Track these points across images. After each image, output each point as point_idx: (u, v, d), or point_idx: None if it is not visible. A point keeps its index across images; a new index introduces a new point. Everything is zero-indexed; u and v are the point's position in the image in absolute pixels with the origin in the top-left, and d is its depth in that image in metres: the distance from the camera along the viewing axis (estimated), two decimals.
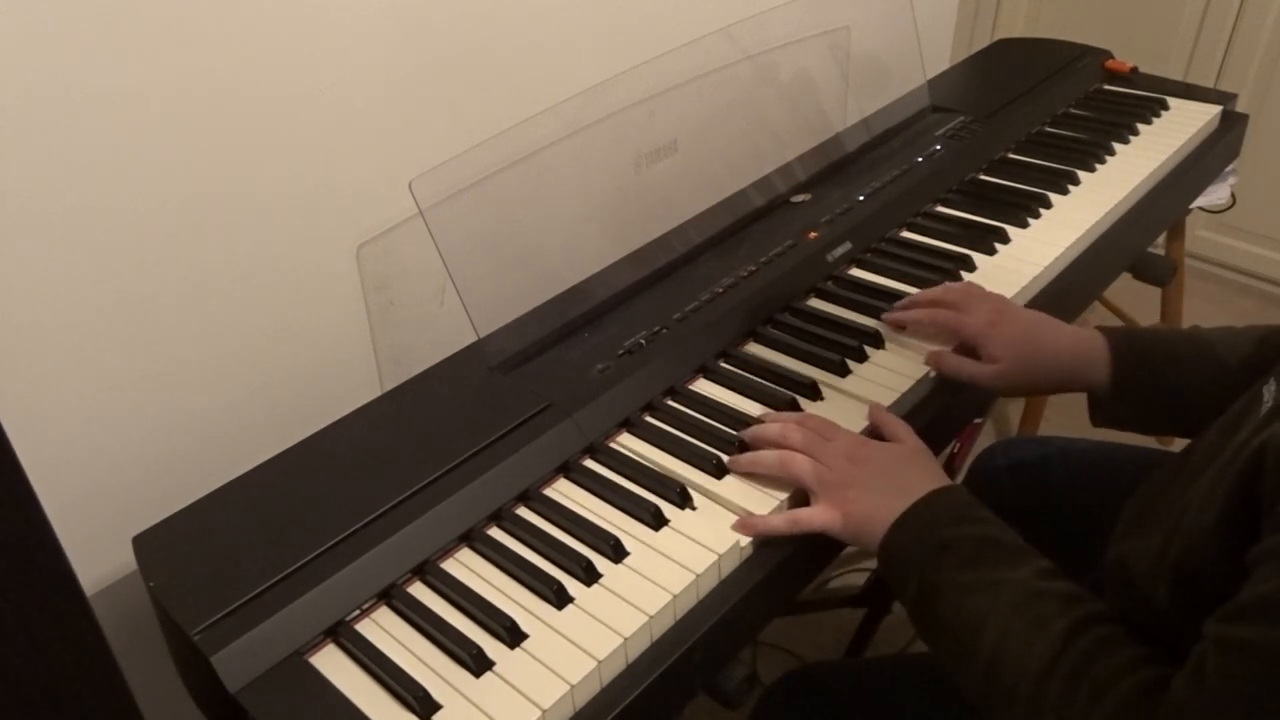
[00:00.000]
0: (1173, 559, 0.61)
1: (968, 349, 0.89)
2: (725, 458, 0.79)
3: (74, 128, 0.78)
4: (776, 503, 0.76)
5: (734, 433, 0.82)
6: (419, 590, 0.71)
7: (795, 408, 0.85)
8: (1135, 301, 1.93)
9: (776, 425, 0.79)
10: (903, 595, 0.71)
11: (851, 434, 0.79)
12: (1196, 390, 0.82)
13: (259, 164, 0.91)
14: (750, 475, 0.78)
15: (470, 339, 0.88)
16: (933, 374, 0.89)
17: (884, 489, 0.73)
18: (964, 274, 1.02)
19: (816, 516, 0.73)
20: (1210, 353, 0.83)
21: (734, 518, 0.75)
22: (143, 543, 0.73)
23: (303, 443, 0.81)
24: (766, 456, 0.77)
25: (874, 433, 0.82)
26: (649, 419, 0.85)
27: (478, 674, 0.65)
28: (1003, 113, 1.31)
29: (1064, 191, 1.16)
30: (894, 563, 0.71)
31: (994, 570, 0.66)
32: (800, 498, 0.77)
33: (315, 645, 0.67)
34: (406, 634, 0.68)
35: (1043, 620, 0.62)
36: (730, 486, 0.78)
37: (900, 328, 0.94)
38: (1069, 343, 0.85)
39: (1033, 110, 1.33)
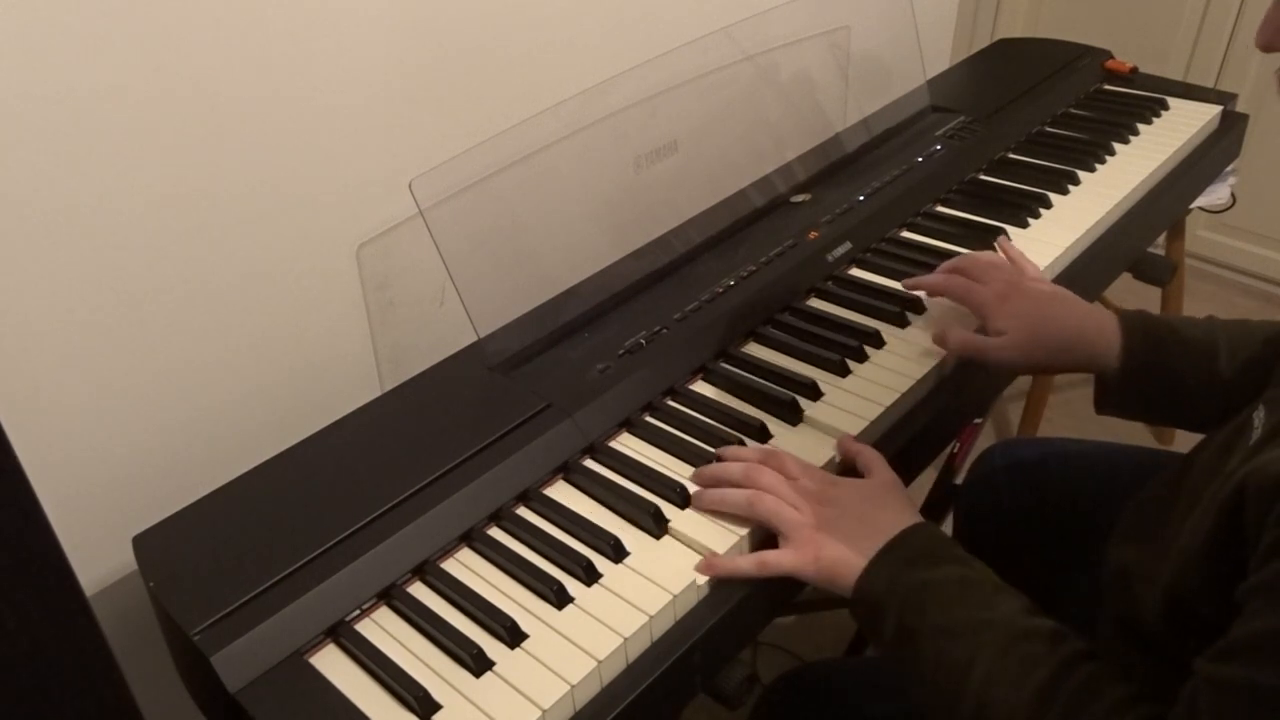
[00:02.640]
0: (1166, 583, 0.61)
1: (979, 319, 0.89)
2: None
3: (74, 128, 0.78)
4: None
5: (735, 433, 0.81)
6: (419, 590, 0.71)
7: (795, 408, 0.85)
8: (1135, 301, 1.92)
9: (740, 465, 0.76)
10: (879, 640, 0.69)
11: (819, 472, 0.77)
12: (1203, 387, 0.82)
13: (259, 164, 0.91)
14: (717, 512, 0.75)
15: (470, 339, 0.88)
16: (935, 370, 0.89)
17: (854, 530, 0.71)
18: None
19: (785, 559, 0.70)
20: (1220, 350, 0.82)
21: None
22: (143, 543, 0.73)
23: (303, 443, 0.81)
24: (733, 495, 0.74)
25: (846, 464, 0.81)
26: (649, 419, 0.85)
27: (478, 674, 0.65)
28: (1003, 113, 1.31)
29: (1064, 191, 1.16)
30: (869, 606, 0.68)
31: (974, 611, 0.65)
32: (764, 530, 0.74)
33: (315, 645, 0.67)
34: (406, 634, 0.68)
35: (1029, 662, 0.61)
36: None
37: (917, 293, 0.95)
38: (1079, 320, 0.84)
39: (1033, 110, 1.33)
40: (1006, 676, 0.61)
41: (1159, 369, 0.82)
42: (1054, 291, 0.88)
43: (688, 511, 0.76)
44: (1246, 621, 0.51)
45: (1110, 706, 0.58)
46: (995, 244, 1.02)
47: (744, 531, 0.74)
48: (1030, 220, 1.11)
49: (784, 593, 0.79)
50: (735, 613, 0.71)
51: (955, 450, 1.63)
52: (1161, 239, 1.71)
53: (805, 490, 0.74)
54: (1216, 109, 1.33)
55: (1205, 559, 0.57)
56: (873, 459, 0.78)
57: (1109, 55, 1.48)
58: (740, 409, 0.85)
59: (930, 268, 1.03)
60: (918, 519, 0.72)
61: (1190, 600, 0.58)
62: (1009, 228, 1.09)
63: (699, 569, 0.71)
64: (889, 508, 0.73)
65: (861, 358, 0.91)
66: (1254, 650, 0.50)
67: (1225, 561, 0.55)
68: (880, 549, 0.69)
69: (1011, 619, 0.64)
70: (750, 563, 0.71)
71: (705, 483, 0.77)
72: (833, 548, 0.70)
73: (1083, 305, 0.86)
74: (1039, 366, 0.86)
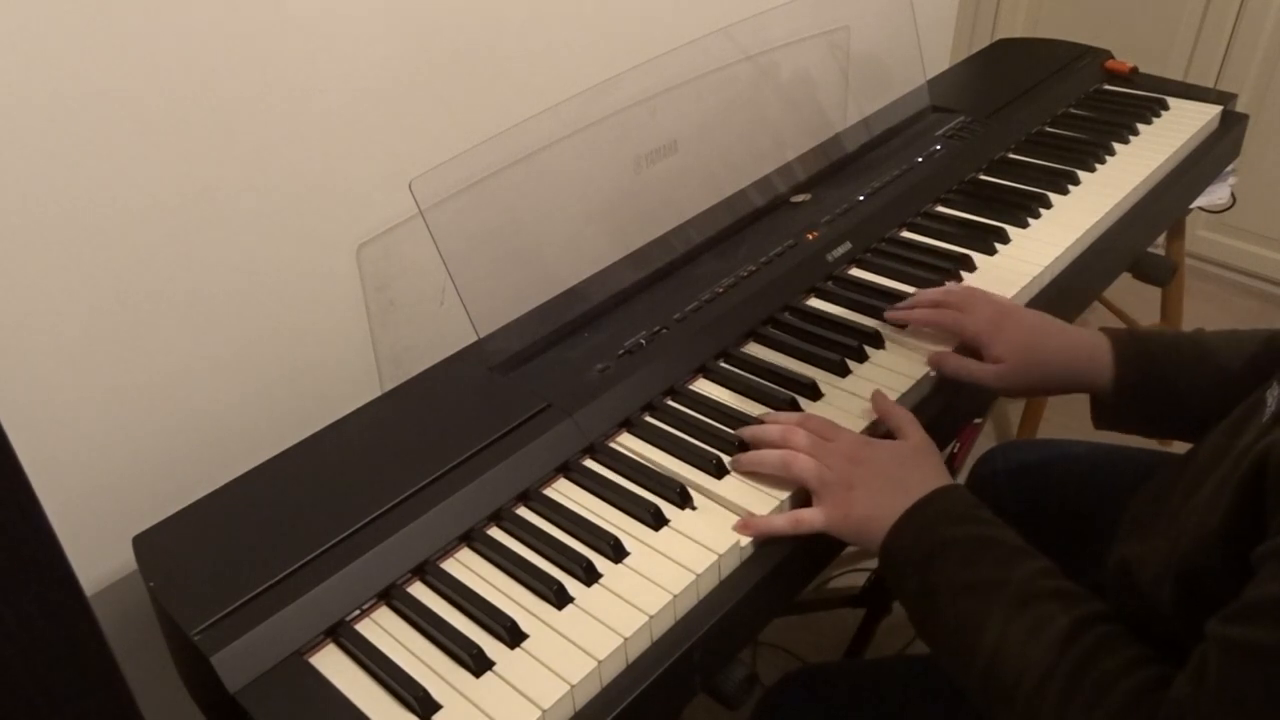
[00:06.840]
0: (1177, 563, 0.61)
1: (970, 349, 0.89)
2: (726, 458, 0.79)
3: (74, 128, 0.78)
4: (777, 503, 0.76)
5: (733, 432, 0.82)
6: (419, 590, 0.71)
7: (795, 408, 0.85)
8: (1135, 301, 1.93)
9: (777, 427, 0.79)
10: (902, 595, 0.71)
11: (853, 433, 0.79)
12: (1199, 395, 0.82)
13: (259, 164, 0.91)
14: (751, 475, 0.78)
15: (470, 339, 0.88)
16: (933, 374, 0.89)
17: (885, 489, 0.73)
18: (964, 274, 1.03)
19: (818, 517, 0.74)
20: (1214, 357, 0.83)
21: (734, 518, 0.75)
22: (143, 543, 0.73)
23: (303, 443, 0.81)
24: (769, 456, 0.77)
25: (879, 425, 0.82)
26: (649, 419, 0.85)
27: (478, 674, 0.65)
28: (1003, 113, 1.31)
29: (1064, 191, 1.16)
30: (894, 562, 0.71)
31: (994, 570, 0.66)
32: (802, 497, 0.77)
33: (315, 645, 0.67)
34: (406, 634, 0.68)
35: (1043, 620, 0.62)
36: (730, 486, 0.78)
37: (901, 326, 0.94)
38: (1071, 344, 0.85)
39: (1033, 110, 1.33)
40: (1020, 634, 0.62)
41: (1153, 385, 0.83)
42: (1042, 318, 0.88)
43: (727, 477, 0.78)
44: (1261, 585, 0.51)
45: (1121, 665, 0.58)
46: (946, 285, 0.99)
47: (784, 495, 0.76)
48: (1030, 220, 1.11)
49: (784, 590, 0.79)
50: (735, 612, 0.71)
51: (955, 450, 1.63)
52: (1161, 239, 1.71)
53: (839, 451, 0.76)
54: (1216, 109, 1.33)
55: (1223, 533, 0.56)
56: (906, 422, 0.80)
57: (1109, 55, 1.48)
58: (741, 408, 0.85)
59: (930, 267, 1.03)
60: (948, 480, 0.74)
61: (1206, 577, 0.58)
62: (1009, 228, 1.09)
63: (737, 529, 0.74)
64: (920, 469, 0.75)
65: (861, 358, 0.91)
66: (1268, 613, 0.50)
67: (1244, 533, 0.55)
68: (908, 508, 0.71)
69: (1030, 579, 0.65)
70: (785, 521, 0.74)
71: (745, 440, 0.80)
72: (863, 506, 0.73)
73: (1070, 329, 0.87)
74: (1033, 391, 0.88)
